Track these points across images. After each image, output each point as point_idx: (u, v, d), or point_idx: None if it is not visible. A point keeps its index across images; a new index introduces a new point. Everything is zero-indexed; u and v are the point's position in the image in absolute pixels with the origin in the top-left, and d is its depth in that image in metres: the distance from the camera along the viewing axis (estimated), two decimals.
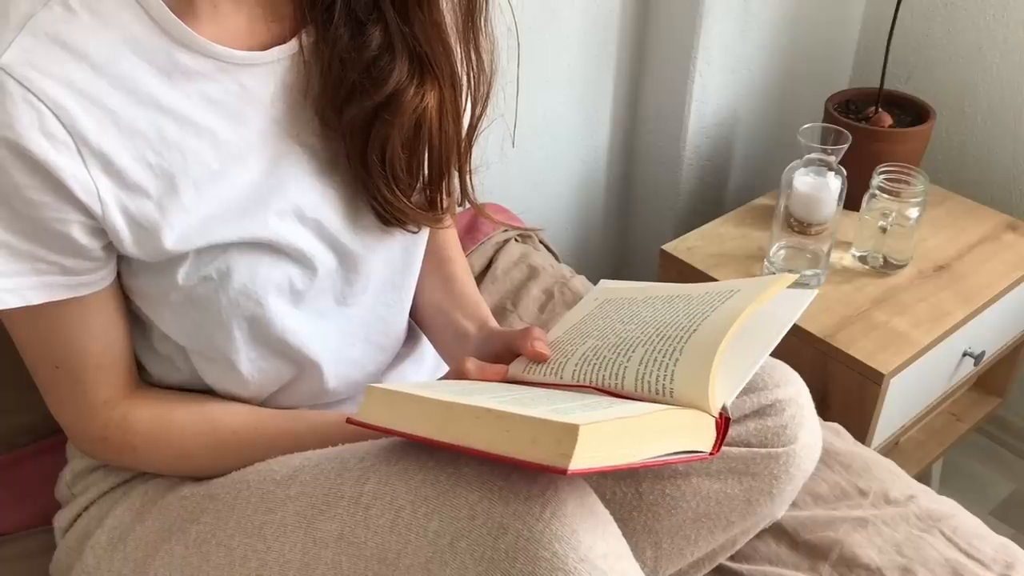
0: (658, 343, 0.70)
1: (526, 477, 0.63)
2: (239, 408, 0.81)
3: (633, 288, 0.84)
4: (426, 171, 0.79)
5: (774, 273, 1.42)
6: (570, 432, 0.54)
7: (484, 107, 0.80)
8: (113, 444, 0.78)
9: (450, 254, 0.98)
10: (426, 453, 0.67)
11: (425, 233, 0.87)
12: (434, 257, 0.96)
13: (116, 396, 0.78)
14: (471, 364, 0.77)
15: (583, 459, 0.55)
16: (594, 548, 0.61)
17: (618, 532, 0.66)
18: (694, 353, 0.67)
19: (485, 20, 0.76)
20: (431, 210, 0.81)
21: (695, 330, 0.69)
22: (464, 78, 0.78)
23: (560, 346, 0.76)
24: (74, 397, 0.76)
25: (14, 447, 1.03)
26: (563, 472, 0.54)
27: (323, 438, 0.78)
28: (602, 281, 0.90)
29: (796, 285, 1.37)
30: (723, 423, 0.66)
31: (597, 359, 0.71)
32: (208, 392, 0.83)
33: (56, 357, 0.74)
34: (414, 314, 0.97)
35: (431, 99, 0.75)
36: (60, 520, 0.87)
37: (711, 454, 0.65)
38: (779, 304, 0.74)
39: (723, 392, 0.66)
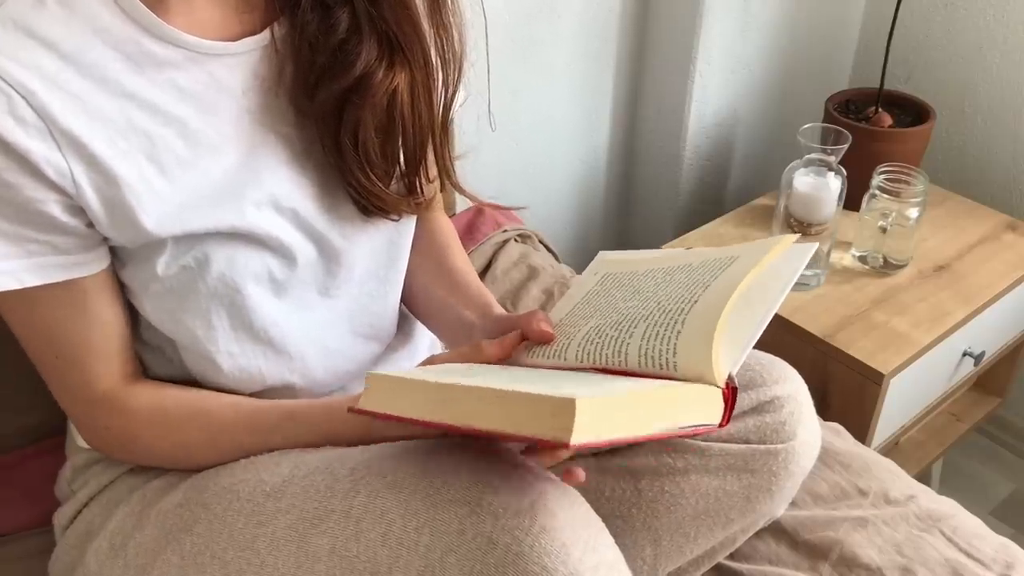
0: (659, 317, 0.69)
1: (515, 491, 0.63)
2: (230, 398, 0.81)
3: (633, 260, 0.83)
4: (402, 156, 0.79)
5: None
6: (567, 406, 0.54)
7: (456, 86, 0.80)
8: (115, 433, 0.79)
9: (448, 244, 0.98)
10: (416, 465, 0.67)
11: (410, 226, 0.87)
12: (432, 250, 0.95)
13: (117, 385, 0.78)
14: (487, 345, 0.76)
15: (583, 432, 0.55)
16: (584, 560, 0.61)
17: (611, 541, 0.66)
18: (696, 324, 0.67)
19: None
20: (410, 195, 0.81)
21: (696, 300, 0.69)
22: (435, 59, 0.78)
23: (563, 328, 0.76)
24: (76, 387, 0.77)
25: (15, 447, 1.03)
26: (565, 446, 0.54)
27: (310, 428, 0.78)
28: (600, 253, 0.89)
29: (799, 283, 1.38)
30: (730, 393, 0.65)
31: (600, 338, 0.71)
32: (198, 384, 0.83)
33: (56, 347, 0.74)
34: (417, 309, 0.97)
35: (401, 80, 0.75)
36: (60, 517, 0.87)
37: (720, 425, 0.65)
38: (780, 262, 0.73)
39: (727, 361, 0.65)
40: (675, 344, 0.66)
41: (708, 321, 0.66)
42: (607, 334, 0.71)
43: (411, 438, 0.72)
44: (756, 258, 0.72)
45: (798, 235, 0.76)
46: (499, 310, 0.90)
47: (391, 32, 0.74)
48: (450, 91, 0.80)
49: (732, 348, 0.66)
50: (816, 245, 0.78)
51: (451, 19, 0.77)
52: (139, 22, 0.68)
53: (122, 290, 0.77)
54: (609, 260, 0.85)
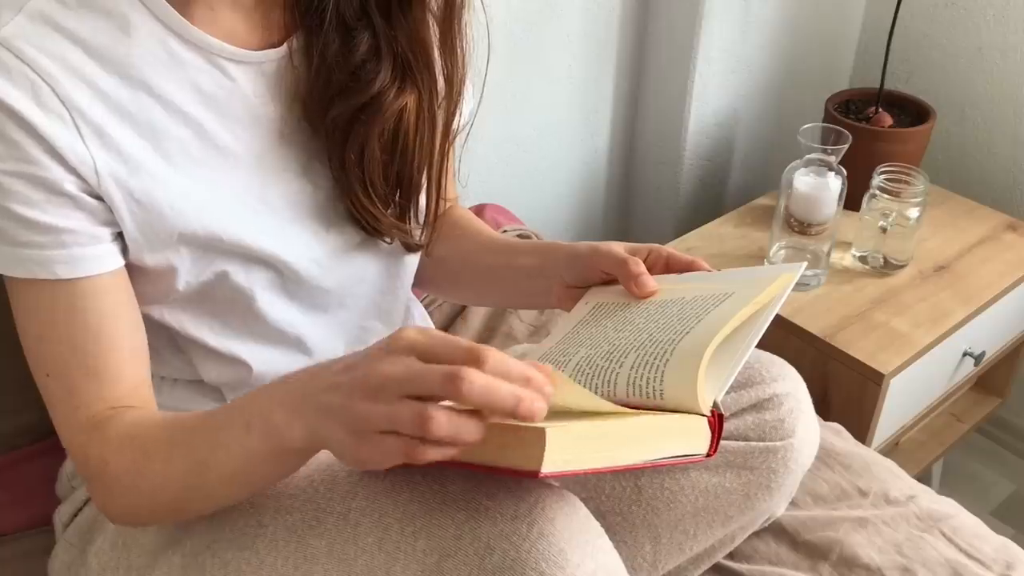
0: (650, 347, 0.69)
1: (512, 496, 0.63)
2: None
3: (624, 290, 0.83)
4: (400, 181, 0.81)
5: None
6: (538, 436, 0.55)
7: (456, 109, 0.82)
8: (92, 463, 0.71)
9: (474, 219, 0.99)
10: (413, 469, 0.67)
11: (410, 262, 0.89)
12: (465, 231, 0.96)
13: (105, 412, 0.72)
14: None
15: (555, 463, 0.55)
16: (582, 566, 0.61)
17: (610, 546, 0.66)
18: (683, 355, 0.67)
19: (464, 25, 0.79)
20: (400, 221, 0.82)
21: (687, 332, 0.69)
22: (441, 80, 0.80)
23: (553, 358, 0.76)
24: (68, 412, 0.72)
25: (14, 447, 1.03)
26: (535, 475, 0.54)
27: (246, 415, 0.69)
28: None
29: (800, 284, 1.38)
30: (717, 422, 0.65)
31: (590, 368, 0.71)
32: (196, 384, 0.84)
33: (48, 363, 0.71)
34: (466, 292, 1.00)
35: (410, 101, 0.77)
36: (61, 515, 0.87)
37: (708, 455, 0.65)
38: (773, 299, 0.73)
39: (713, 388, 0.65)
40: (663, 373, 0.66)
41: (696, 352, 0.66)
42: (597, 364, 0.71)
43: None
44: (751, 295, 0.71)
45: (796, 272, 0.74)
46: (567, 246, 0.86)
47: (405, 55, 0.76)
48: (451, 115, 0.82)
49: (717, 376, 0.66)
50: (804, 265, 0.77)
51: (459, 45, 0.79)
52: (165, 23, 0.69)
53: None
54: (600, 291, 0.84)
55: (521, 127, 1.57)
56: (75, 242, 0.68)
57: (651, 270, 0.79)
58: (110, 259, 0.71)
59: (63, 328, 0.70)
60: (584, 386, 0.70)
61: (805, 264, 0.78)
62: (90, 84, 0.67)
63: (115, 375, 0.72)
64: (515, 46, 1.47)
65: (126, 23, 0.68)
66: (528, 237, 1.43)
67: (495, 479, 0.64)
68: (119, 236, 0.72)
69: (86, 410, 0.71)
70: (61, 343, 0.70)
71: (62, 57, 0.66)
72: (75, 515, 0.86)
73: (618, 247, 0.80)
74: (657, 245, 0.81)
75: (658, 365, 0.67)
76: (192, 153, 0.72)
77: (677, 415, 0.64)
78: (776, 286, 0.72)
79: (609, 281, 0.81)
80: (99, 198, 0.69)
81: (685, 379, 0.65)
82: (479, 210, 1.45)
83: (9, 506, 0.99)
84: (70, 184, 0.67)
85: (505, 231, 1.41)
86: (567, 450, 0.56)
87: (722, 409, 0.65)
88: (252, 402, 0.65)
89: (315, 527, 0.68)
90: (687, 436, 0.64)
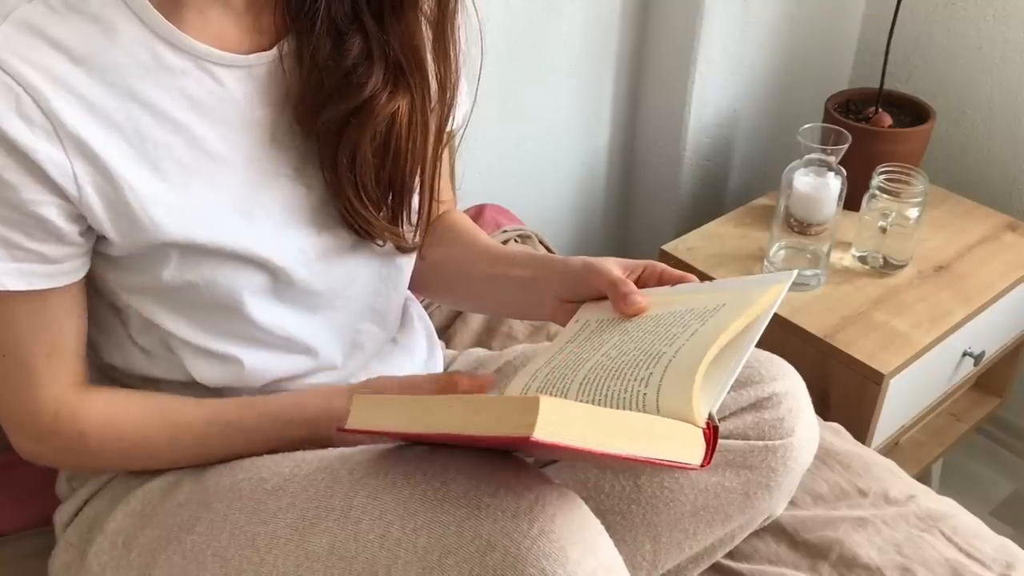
0: (645, 361, 0.69)
1: (513, 493, 0.63)
2: (190, 400, 0.81)
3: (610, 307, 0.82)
4: (392, 184, 0.81)
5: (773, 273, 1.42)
6: (531, 404, 0.56)
7: (450, 113, 0.82)
8: (62, 436, 0.77)
9: (471, 227, 0.99)
10: (415, 466, 0.67)
11: (404, 265, 0.88)
12: (459, 238, 0.96)
13: (67, 390, 0.77)
14: (460, 378, 0.80)
15: (547, 430, 0.56)
16: (583, 563, 0.61)
17: (610, 544, 0.66)
18: (678, 369, 0.67)
19: (457, 28, 0.79)
20: (392, 224, 0.82)
21: (681, 346, 0.69)
22: (434, 84, 0.79)
23: (555, 379, 0.75)
24: (23, 389, 0.75)
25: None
26: (526, 440, 0.55)
27: (275, 422, 0.80)
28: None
29: (800, 284, 1.38)
30: (711, 433, 0.65)
31: (591, 387, 0.71)
32: (190, 386, 0.84)
33: (5, 347, 0.73)
34: (461, 299, 1.02)
35: (403, 105, 0.77)
36: (61, 515, 0.87)
37: (702, 466, 0.65)
38: (766, 309, 0.73)
39: (707, 401, 0.65)
40: (659, 388, 0.66)
41: (690, 367, 0.66)
42: (596, 381, 0.71)
43: (374, 442, 0.74)
44: (743, 306, 0.71)
45: (787, 281, 0.74)
46: (562, 260, 0.87)
47: (397, 58, 0.76)
48: (444, 118, 0.82)
49: (711, 387, 0.66)
50: (795, 273, 0.77)
51: (451, 49, 0.79)
52: (154, 29, 0.69)
53: (120, 295, 0.78)
54: (593, 306, 0.84)
55: (521, 127, 1.57)
56: (33, 260, 0.69)
57: (645, 285, 0.80)
58: (79, 271, 0.73)
59: (24, 321, 0.72)
60: (586, 402, 0.70)
61: (796, 272, 0.78)
62: (75, 94, 0.66)
63: (70, 356, 0.76)
64: (515, 46, 1.48)
65: (112, 29, 0.67)
66: (528, 237, 1.43)
67: (498, 475, 0.65)
68: (88, 252, 0.72)
69: (46, 390, 0.75)
70: (21, 332, 0.73)
71: (47, 67, 0.65)
72: (75, 515, 0.86)
73: (612, 264, 0.81)
74: (652, 261, 0.82)
75: (653, 380, 0.67)
76: (183, 160, 0.71)
77: (676, 422, 0.64)
78: (768, 296, 0.73)
79: (603, 296, 0.81)
80: (80, 215, 0.69)
81: (680, 395, 0.65)
82: (479, 210, 1.45)
83: (9, 506, 0.99)
84: (49, 208, 0.67)
85: (505, 231, 1.41)
86: (560, 422, 0.56)
87: (717, 421, 0.65)
88: (311, 407, 0.81)
89: (316, 524, 0.68)
90: (682, 443, 0.64)
